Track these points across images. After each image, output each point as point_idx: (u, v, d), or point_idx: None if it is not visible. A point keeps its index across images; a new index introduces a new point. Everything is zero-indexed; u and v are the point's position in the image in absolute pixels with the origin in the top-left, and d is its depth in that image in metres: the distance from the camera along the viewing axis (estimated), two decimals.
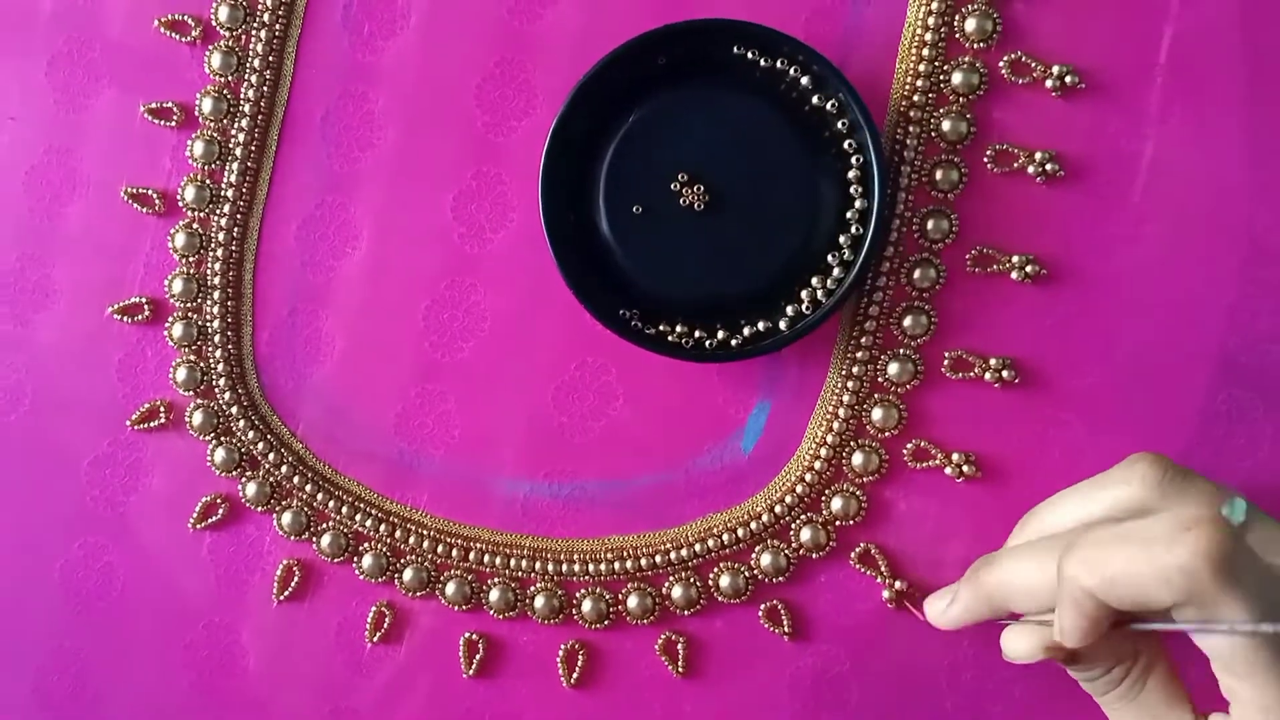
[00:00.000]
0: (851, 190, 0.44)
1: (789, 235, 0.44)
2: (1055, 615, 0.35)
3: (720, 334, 0.45)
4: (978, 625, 0.42)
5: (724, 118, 0.44)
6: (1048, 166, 0.45)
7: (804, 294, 0.44)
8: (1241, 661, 0.32)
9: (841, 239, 0.44)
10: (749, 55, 0.44)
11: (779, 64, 0.44)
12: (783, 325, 0.45)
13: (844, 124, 0.44)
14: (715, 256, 0.44)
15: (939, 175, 0.45)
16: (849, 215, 0.44)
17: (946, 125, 0.45)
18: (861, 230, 0.44)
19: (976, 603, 0.40)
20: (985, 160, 0.45)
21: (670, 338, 0.45)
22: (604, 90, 0.44)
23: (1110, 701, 0.38)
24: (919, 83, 0.45)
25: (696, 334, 0.45)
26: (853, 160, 0.44)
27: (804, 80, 0.44)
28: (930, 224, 0.45)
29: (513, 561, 0.47)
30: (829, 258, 0.44)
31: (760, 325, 0.45)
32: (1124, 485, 0.37)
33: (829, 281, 0.44)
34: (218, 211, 0.47)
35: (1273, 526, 0.35)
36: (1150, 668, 0.37)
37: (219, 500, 0.47)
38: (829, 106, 0.44)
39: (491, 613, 0.47)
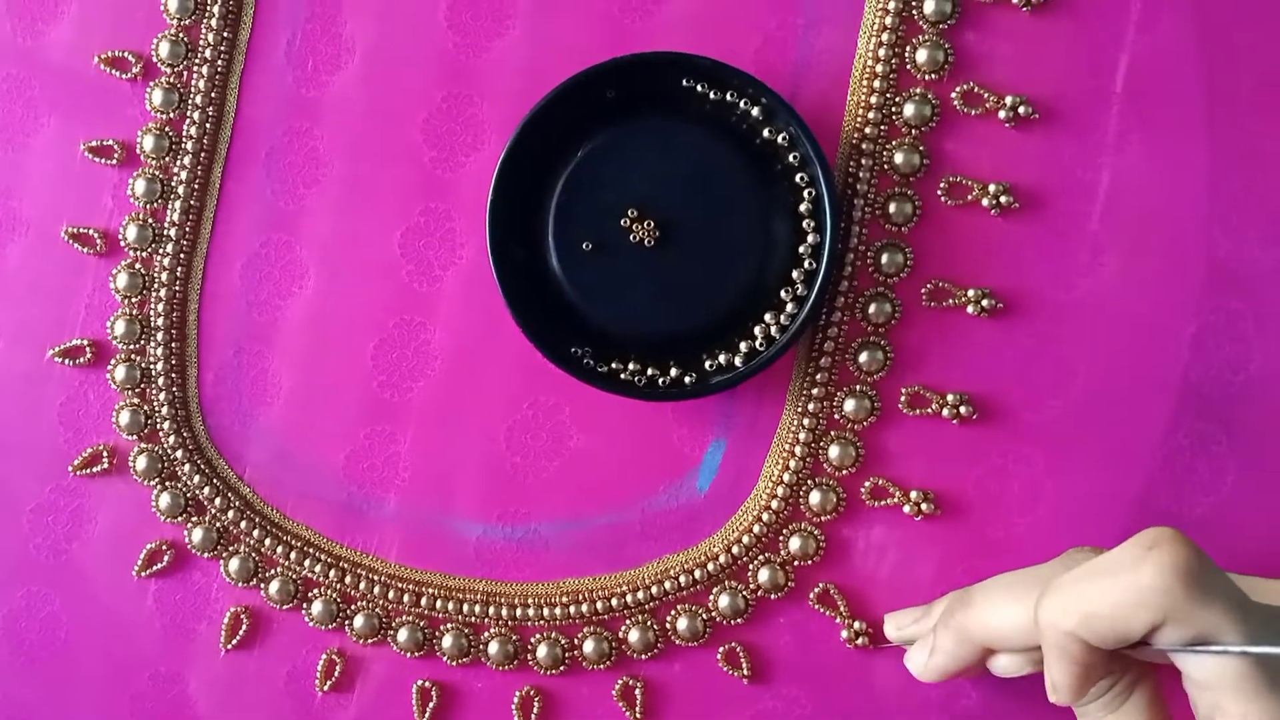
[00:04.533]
0: (804, 224, 0.43)
1: (741, 270, 0.43)
2: (1045, 669, 0.35)
3: (674, 371, 0.44)
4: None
5: (674, 152, 0.43)
6: (1002, 199, 0.44)
7: (757, 330, 0.44)
8: (1230, 682, 0.31)
9: (794, 274, 0.43)
10: (698, 88, 0.43)
11: (728, 97, 0.43)
12: (737, 362, 0.44)
13: (795, 157, 0.43)
14: (667, 293, 0.43)
15: (892, 208, 0.45)
16: (801, 250, 0.43)
17: (899, 158, 0.44)
18: (815, 265, 0.43)
19: (959, 648, 0.39)
20: (939, 193, 0.45)
21: (623, 375, 0.44)
22: (552, 125, 0.43)
23: (1089, 712, 0.36)
24: (870, 114, 0.44)
25: (649, 371, 0.44)
26: (805, 194, 0.43)
27: (754, 113, 0.43)
28: (885, 258, 0.45)
29: (466, 606, 0.46)
30: (782, 293, 0.43)
31: (716, 361, 0.44)
32: (1064, 568, 0.35)
33: (782, 318, 0.44)
34: (160, 251, 0.46)
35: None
36: (1136, 683, 0.36)
37: (164, 547, 0.46)
38: (780, 140, 0.43)
39: (445, 659, 0.46)
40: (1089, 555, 0.36)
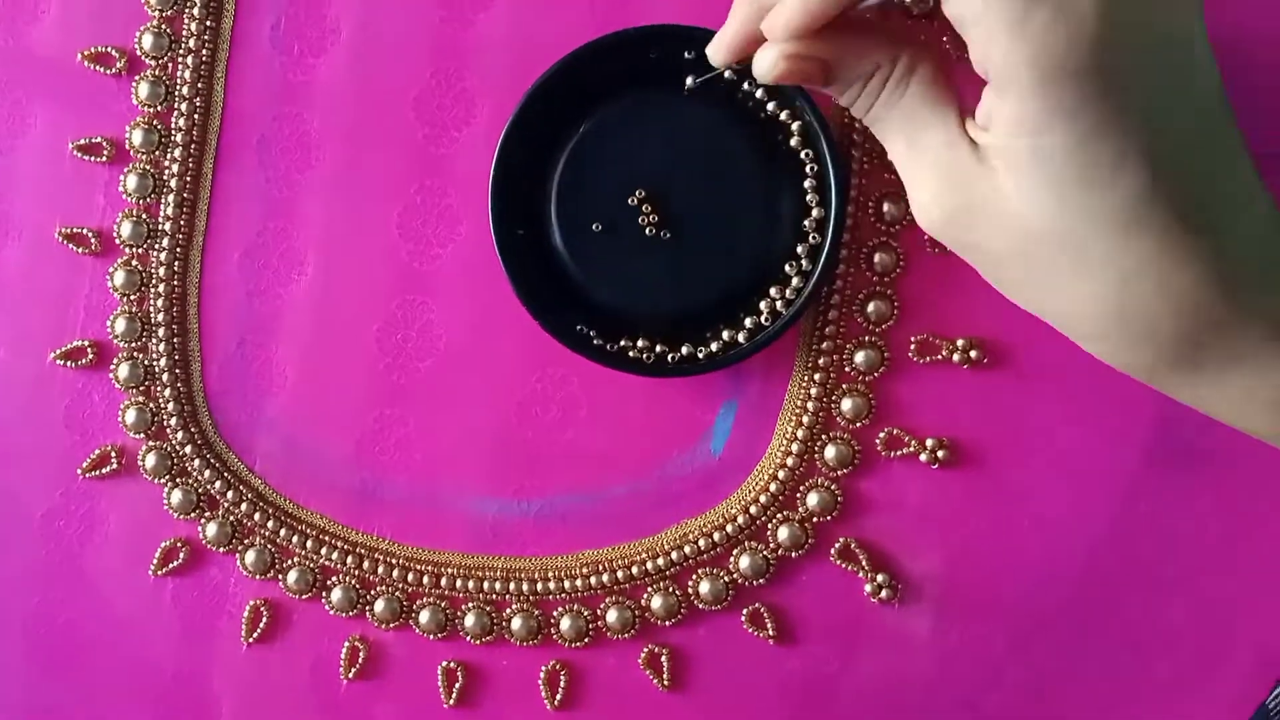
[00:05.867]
0: (808, 199, 0.43)
1: (747, 246, 0.43)
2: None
3: (684, 349, 0.44)
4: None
5: (678, 127, 0.43)
6: None
7: (763, 305, 0.43)
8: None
9: (799, 248, 0.43)
10: (700, 62, 0.43)
11: (728, 71, 0.43)
12: (741, 338, 0.43)
13: (798, 127, 0.43)
14: (673, 271, 0.43)
15: None
16: (806, 225, 0.43)
17: None
18: (819, 239, 0.43)
19: (741, 6, 0.35)
20: None
21: (631, 353, 0.44)
22: (552, 100, 0.43)
23: (874, 117, 0.34)
24: None
25: (658, 348, 0.44)
26: (808, 169, 0.43)
27: (758, 90, 0.43)
28: (886, 206, 0.44)
29: (486, 584, 0.45)
30: (787, 267, 0.43)
31: (723, 337, 0.44)
32: None
33: (788, 292, 0.43)
34: (156, 246, 0.46)
35: None
36: (913, 68, 0.33)
37: (179, 544, 0.46)
38: (783, 115, 0.43)
39: (468, 639, 0.45)
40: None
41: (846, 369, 0.45)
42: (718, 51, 0.36)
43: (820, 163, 0.43)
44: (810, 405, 0.45)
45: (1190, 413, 0.44)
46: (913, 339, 0.45)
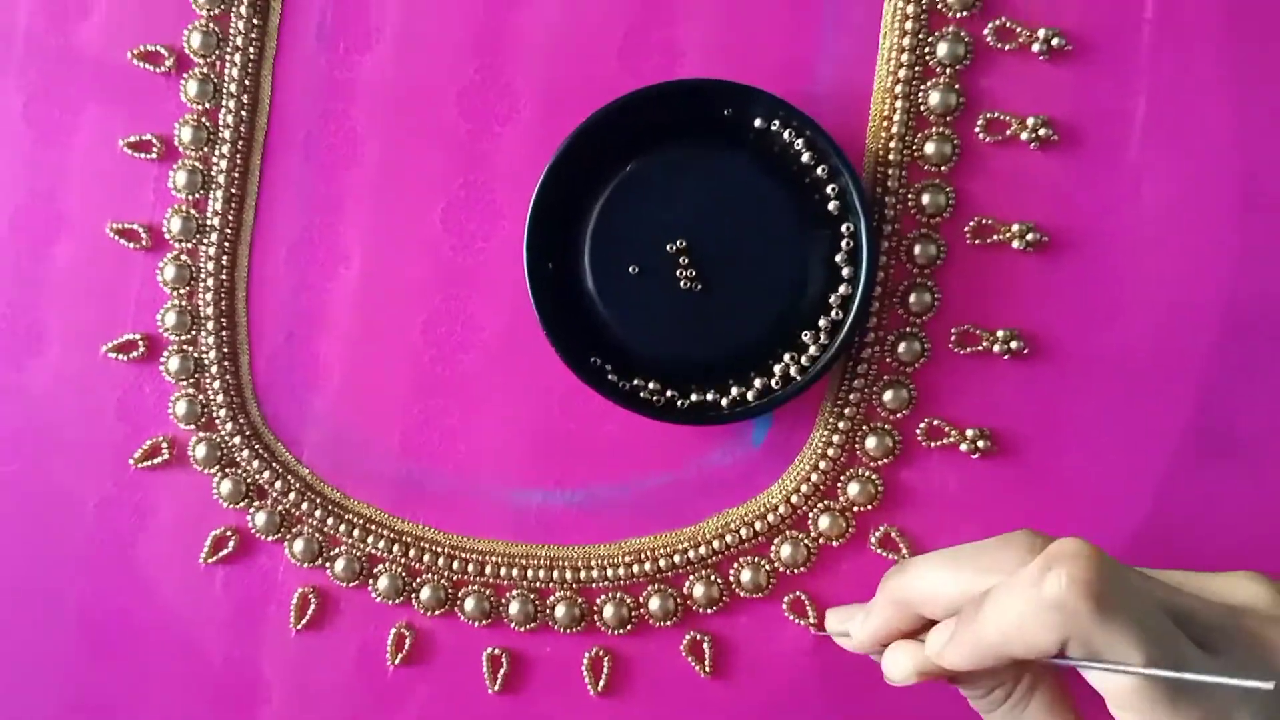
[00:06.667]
0: (841, 272, 0.43)
1: (773, 306, 0.44)
2: (931, 637, 0.35)
3: (693, 396, 0.44)
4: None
5: (719, 181, 0.43)
6: (1041, 132, 0.44)
7: (777, 368, 0.44)
8: (1131, 700, 0.30)
9: (821, 321, 0.44)
10: (734, 115, 0.43)
11: (773, 126, 0.43)
12: (750, 396, 0.44)
13: (833, 190, 0.43)
14: (699, 321, 0.44)
15: (930, 149, 0.45)
16: (831, 300, 0.44)
17: (935, 98, 0.44)
18: (841, 315, 0.43)
19: (890, 608, 0.37)
20: (976, 130, 0.45)
21: (642, 394, 0.44)
22: (599, 139, 0.43)
23: (994, 717, 0.36)
24: (904, 56, 0.44)
25: (668, 392, 0.44)
26: (843, 244, 0.43)
27: (796, 143, 0.43)
28: (926, 198, 0.45)
29: (530, 572, 0.46)
30: (804, 335, 0.44)
31: (731, 392, 0.44)
32: (1000, 549, 0.34)
33: (804, 359, 0.44)
34: (205, 241, 0.47)
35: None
36: (1035, 686, 0.35)
37: (229, 533, 0.47)
38: (819, 171, 0.43)
39: (512, 626, 0.46)
40: (1036, 540, 0.34)
41: (887, 359, 0.45)
42: (861, 633, 0.39)
43: (855, 239, 0.43)
44: (851, 396, 0.45)
45: (1229, 401, 0.44)
46: (953, 330, 0.45)
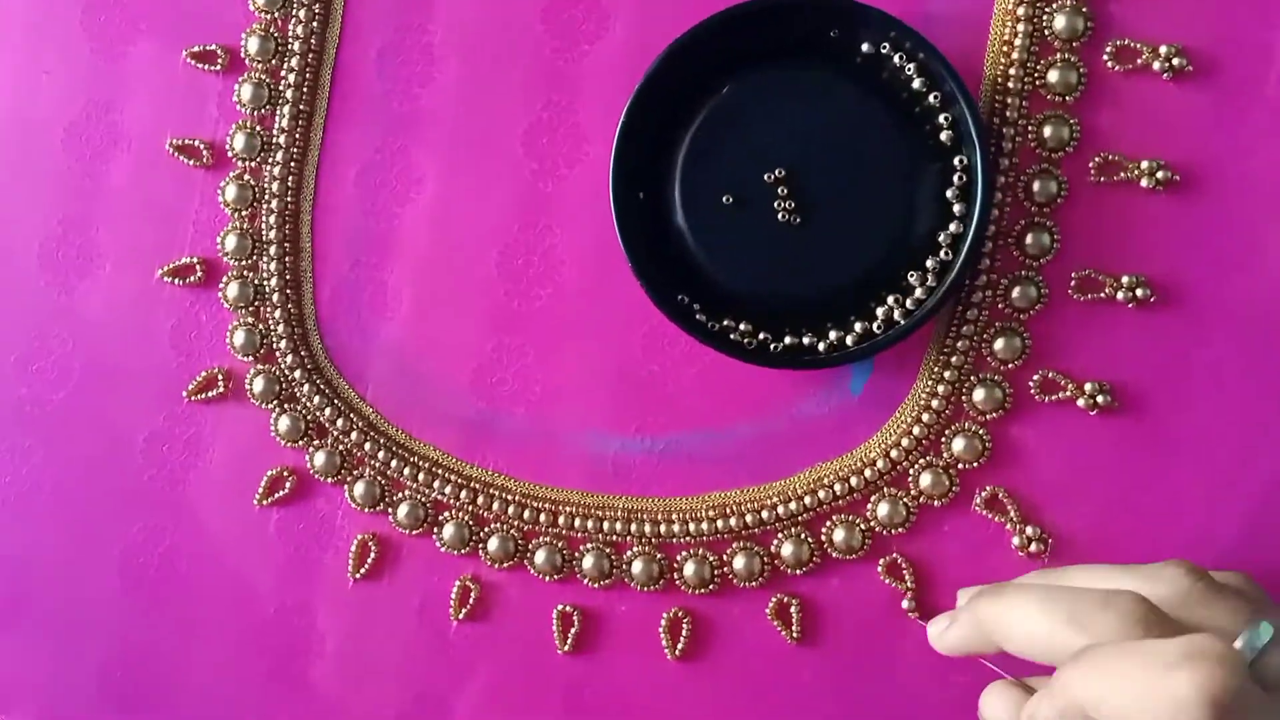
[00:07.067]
0: (952, 209, 0.41)
1: (877, 244, 0.41)
2: (1035, 698, 0.33)
3: (787, 339, 0.41)
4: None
5: (822, 107, 0.41)
6: (1174, 61, 0.41)
7: (879, 311, 0.41)
8: None
9: (929, 262, 0.41)
10: (840, 36, 0.41)
11: (864, 45, 0.41)
12: (850, 340, 0.41)
13: (946, 118, 0.40)
14: (798, 259, 0.41)
15: (1053, 77, 0.42)
16: (941, 238, 0.41)
17: (1060, 21, 0.41)
18: (951, 256, 0.41)
19: (971, 631, 0.36)
20: (1105, 58, 0.42)
21: (732, 335, 0.41)
22: (694, 58, 0.40)
23: None
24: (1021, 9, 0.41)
25: (760, 335, 0.41)
26: (955, 179, 0.41)
27: (896, 57, 0.40)
28: (1048, 130, 0.41)
29: (606, 525, 0.43)
30: (910, 276, 0.41)
31: (829, 336, 0.41)
32: (1150, 583, 0.33)
33: (909, 302, 0.41)
34: (270, 160, 0.44)
35: None
36: None
37: (285, 473, 0.44)
38: (930, 98, 0.40)
39: (585, 581, 0.43)
40: (1188, 578, 0.33)
41: (1000, 305, 0.42)
42: (938, 643, 0.38)
43: (969, 173, 0.40)
44: (960, 344, 0.42)
45: None
46: (1073, 275, 0.42)
